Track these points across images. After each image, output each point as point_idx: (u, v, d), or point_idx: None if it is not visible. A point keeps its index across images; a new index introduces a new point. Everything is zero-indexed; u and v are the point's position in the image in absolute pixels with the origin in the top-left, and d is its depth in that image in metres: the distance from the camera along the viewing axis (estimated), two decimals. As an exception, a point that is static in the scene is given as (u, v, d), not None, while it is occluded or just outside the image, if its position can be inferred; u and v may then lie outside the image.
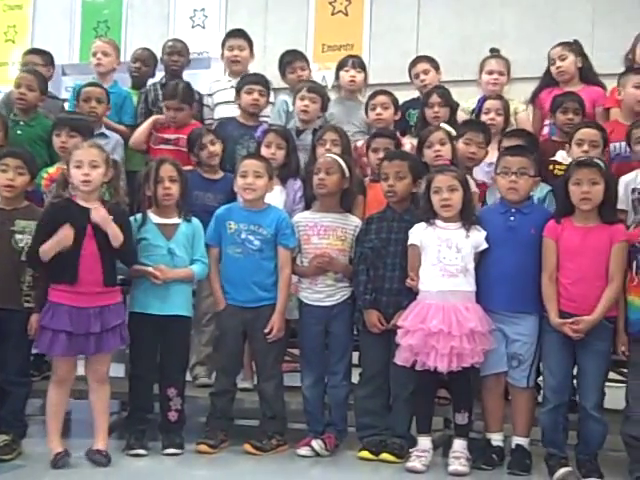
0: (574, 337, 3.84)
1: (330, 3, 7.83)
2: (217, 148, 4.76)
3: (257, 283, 4.20)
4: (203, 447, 4.14)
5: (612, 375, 4.15)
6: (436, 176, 4.08)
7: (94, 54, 5.67)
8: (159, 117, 5.14)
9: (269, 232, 4.22)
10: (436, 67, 5.38)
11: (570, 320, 3.83)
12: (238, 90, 5.16)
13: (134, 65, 5.80)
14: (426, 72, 5.34)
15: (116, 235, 3.93)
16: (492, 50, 5.48)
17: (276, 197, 4.53)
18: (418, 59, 5.48)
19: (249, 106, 5.11)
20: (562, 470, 3.84)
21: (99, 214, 3.92)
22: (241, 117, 5.17)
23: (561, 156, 4.53)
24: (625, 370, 4.09)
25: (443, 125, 4.58)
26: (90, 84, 5.27)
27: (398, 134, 4.83)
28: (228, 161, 4.85)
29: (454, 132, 4.51)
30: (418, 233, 4.06)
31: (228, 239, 4.24)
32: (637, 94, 4.66)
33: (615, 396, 4.07)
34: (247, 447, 4.16)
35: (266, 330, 4.17)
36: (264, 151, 4.64)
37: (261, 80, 5.18)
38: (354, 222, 4.31)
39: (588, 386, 3.89)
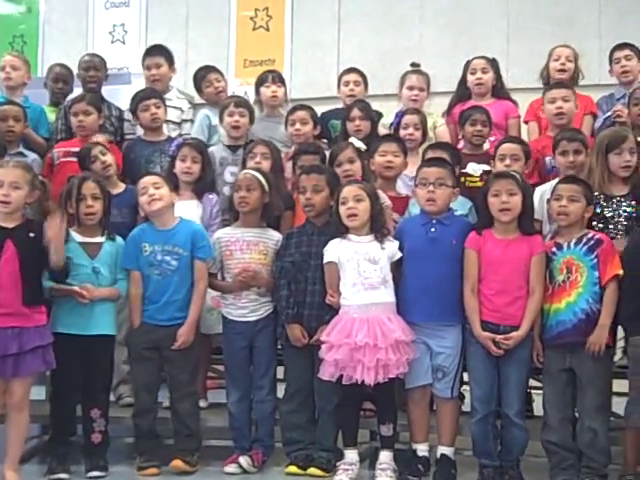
0: (495, 354, 3.91)
1: (251, 18, 7.85)
2: (109, 158, 4.67)
3: (174, 302, 4.19)
4: (178, 462, 4.10)
5: (533, 382, 4.24)
6: (343, 188, 4.13)
7: (3, 68, 5.55)
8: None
9: (185, 250, 4.21)
10: (365, 82, 5.46)
11: (500, 337, 3.90)
12: (134, 110, 5.14)
13: (56, 86, 5.70)
14: (357, 83, 5.41)
15: (59, 251, 3.84)
16: (413, 64, 5.55)
17: (192, 211, 4.53)
18: (353, 69, 5.53)
19: (149, 122, 5.09)
20: None
21: (53, 229, 3.83)
22: (145, 135, 5.15)
23: (472, 168, 4.63)
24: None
25: (352, 140, 4.61)
26: (6, 102, 5.17)
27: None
28: None
29: (364, 147, 4.55)
30: (334, 249, 4.08)
31: (145, 261, 4.22)
32: (551, 109, 4.80)
33: (535, 403, 4.16)
34: (177, 463, 4.11)
35: (174, 346, 4.14)
36: (179, 165, 4.63)
37: (153, 94, 5.16)
38: (275, 237, 4.32)
39: (511, 394, 3.96)
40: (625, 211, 4.15)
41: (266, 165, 4.56)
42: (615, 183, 4.21)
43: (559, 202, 3.96)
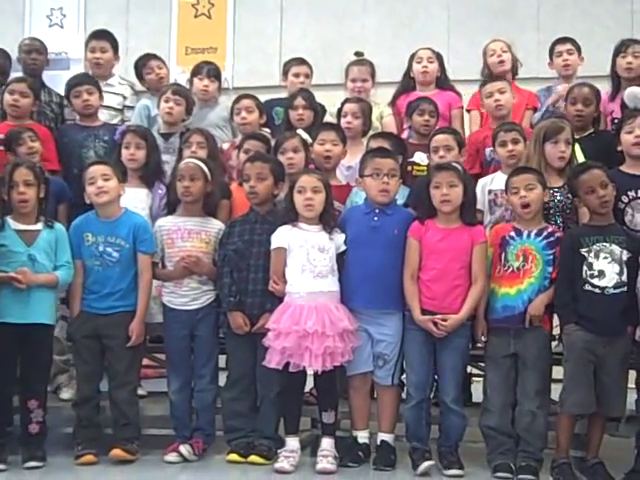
0: (436, 335, 3.97)
1: (193, 5, 7.79)
2: (36, 145, 4.57)
3: (115, 293, 4.16)
4: (117, 451, 4.06)
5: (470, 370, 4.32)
6: (301, 176, 4.14)
7: None
8: None
9: (127, 242, 4.19)
10: (311, 73, 5.44)
11: (437, 317, 3.95)
12: (67, 95, 5.08)
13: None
14: (307, 76, 5.39)
15: None
16: (356, 53, 5.54)
17: (142, 201, 4.50)
18: (303, 61, 5.49)
19: (82, 109, 5.01)
20: (425, 464, 3.95)
21: None
22: (80, 120, 5.08)
23: (419, 157, 4.68)
24: (483, 364, 4.26)
25: (300, 132, 4.62)
26: None
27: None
28: (76, 165, 4.78)
29: (310, 139, 4.56)
30: (284, 236, 4.10)
31: (87, 251, 4.18)
32: (490, 102, 4.86)
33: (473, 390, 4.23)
34: (116, 451, 4.07)
35: (130, 343, 4.12)
36: (124, 152, 4.58)
37: (86, 80, 5.09)
38: (217, 225, 4.31)
39: (448, 381, 4.03)
40: (561, 201, 4.23)
41: (202, 154, 4.53)
42: (551, 174, 4.29)
43: (519, 194, 4.03)
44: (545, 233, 4.03)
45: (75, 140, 4.92)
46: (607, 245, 3.91)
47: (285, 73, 5.47)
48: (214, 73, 5.38)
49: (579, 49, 5.28)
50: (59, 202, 4.52)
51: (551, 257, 3.99)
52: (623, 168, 4.28)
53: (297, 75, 5.40)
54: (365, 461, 4.10)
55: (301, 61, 5.49)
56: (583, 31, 6.24)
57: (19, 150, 4.53)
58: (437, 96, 5.17)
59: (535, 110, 5.18)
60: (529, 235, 4.03)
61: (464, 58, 6.04)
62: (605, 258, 3.90)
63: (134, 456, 4.11)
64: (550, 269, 3.99)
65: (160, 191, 4.61)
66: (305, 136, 4.56)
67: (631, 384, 3.98)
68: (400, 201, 4.33)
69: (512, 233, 4.06)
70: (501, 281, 4.03)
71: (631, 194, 4.20)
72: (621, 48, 4.98)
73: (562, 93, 4.92)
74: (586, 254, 3.92)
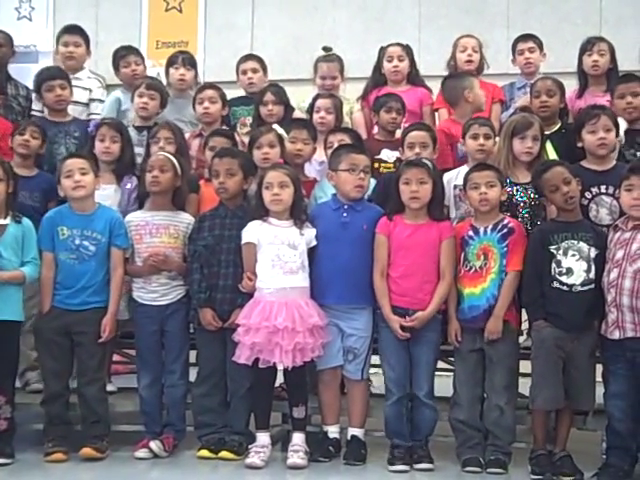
0: (400, 337, 3.99)
1: (164, -1, 7.74)
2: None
3: (89, 288, 4.13)
4: (87, 450, 4.04)
5: (441, 364, 4.34)
6: (268, 172, 4.14)
7: None
8: None
9: (103, 236, 4.17)
10: (264, 68, 5.38)
11: (407, 321, 3.97)
12: (38, 89, 5.02)
13: None
14: (255, 71, 5.33)
15: None
16: (325, 48, 5.51)
17: (110, 197, 4.46)
18: (249, 57, 5.46)
19: (54, 103, 4.98)
20: (401, 467, 3.96)
21: None
22: (50, 115, 5.03)
23: (385, 154, 4.69)
24: (452, 359, 4.28)
25: (275, 127, 4.61)
26: None
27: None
28: (47, 161, 4.74)
29: (285, 135, 4.55)
30: (254, 231, 4.10)
31: (61, 245, 4.15)
32: None
33: (443, 384, 4.26)
34: (86, 450, 4.05)
35: (102, 339, 4.10)
36: (98, 145, 4.55)
37: (59, 74, 5.04)
38: (186, 219, 4.29)
39: (421, 375, 4.06)
40: (529, 197, 4.27)
41: (170, 149, 4.50)
42: (520, 169, 4.32)
43: (478, 190, 4.05)
44: (500, 226, 4.05)
45: (45, 136, 4.87)
46: (575, 242, 3.95)
47: (237, 72, 5.42)
48: (190, 62, 5.36)
49: (541, 46, 5.30)
50: (49, 199, 4.48)
51: (505, 249, 4.01)
52: (585, 164, 4.31)
53: (244, 72, 5.34)
54: (336, 456, 4.12)
55: (247, 57, 5.44)
56: (552, 28, 6.31)
57: None
58: (408, 92, 5.16)
59: (502, 103, 5.20)
60: (485, 231, 4.05)
61: (435, 54, 6.05)
62: (573, 256, 3.94)
63: (104, 454, 4.10)
64: (504, 261, 4.01)
65: (129, 185, 4.57)
66: (280, 131, 4.54)
67: (598, 378, 4.02)
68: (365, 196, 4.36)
69: (470, 232, 4.08)
70: (464, 281, 4.05)
71: (594, 190, 4.23)
72: (587, 46, 5.02)
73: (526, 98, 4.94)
74: (555, 251, 3.95)
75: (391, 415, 4.07)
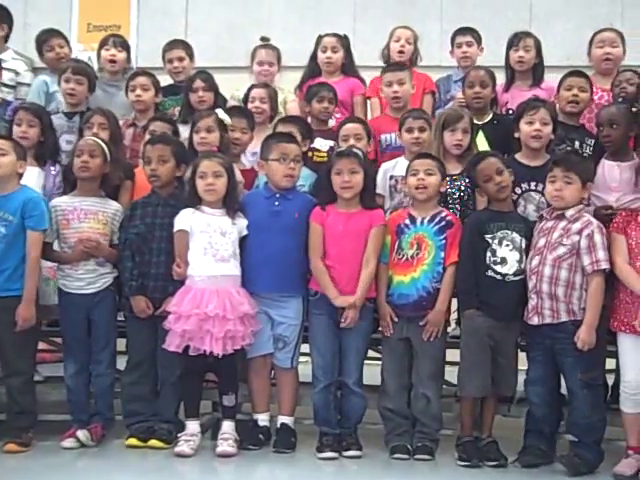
0: (343, 325, 4.01)
1: (96, -19, 7.58)
2: None
3: (2, 272, 4.01)
4: (11, 446, 3.98)
5: (371, 353, 4.38)
6: (202, 161, 4.12)
7: None
8: None
9: (15, 217, 4.03)
10: (190, 54, 5.30)
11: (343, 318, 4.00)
12: None
13: None
14: (181, 59, 5.25)
15: None
16: (262, 39, 5.50)
17: (33, 179, 4.35)
18: (174, 44, 5.34)
19: None
20: (329, 454, 3.99)
21: None
22: None
23: (319, 144, 4.71)
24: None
25: (218, 111, 4.56)
26: None
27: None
28: None
29: (229, 120, 4.51)
30: (186, 219, 4.07)
31: None
32: (388, 92, 4.88)
33: (372, 373, 4.30)
34: (10, 447, 3.99)
35: (18, 327, 3.99)
36: (15, 130, 4.45)
37: None
38: (114, 206, 4.25)
39: (350, 363, 4.10)
40: (460, 189, 4.33)
41: (104, 135, 4.44)
42: (450, 161, 4.38)
43: (417, 176, 4.09)
44: (438, 218, 4.11)
45: None
46: (509, 233, 4.03)
47: (163, 60, 5.34)
48: (122, 44, 5.29)
49: (479, 40, 5.36)
50: None
51: (443, 242, 4.08)
52: (518, 157, 4.38)
53: (170, 61, 5.27)
54: (265, 444, 4.13)
55: (172, 45, 5.32)
56: (484, 21, 6.35)
57: None
58: (341, 83, 5.19)
59: (433, 94, 5.24)
60: (422, 222, 4.11)
61: (369, 44, 6.06)
62: (507, 245, 4.02)
63: (28, 447, 4.03)
64: (442, 254, 4.07)
65: (52, 170, 4.49)
66: (223, 116, 4.50)
67: (521, 366, 4.12)
68: (305, 188, 4.37)
69: (407, 221, 4.13)
70: (396, 269, 4.10)
71: (524, 186, 4.30)
72: (514, 41, 5.07)
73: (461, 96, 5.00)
74: (490, 240, 4.02)
75: (319, 403, 4.10)
